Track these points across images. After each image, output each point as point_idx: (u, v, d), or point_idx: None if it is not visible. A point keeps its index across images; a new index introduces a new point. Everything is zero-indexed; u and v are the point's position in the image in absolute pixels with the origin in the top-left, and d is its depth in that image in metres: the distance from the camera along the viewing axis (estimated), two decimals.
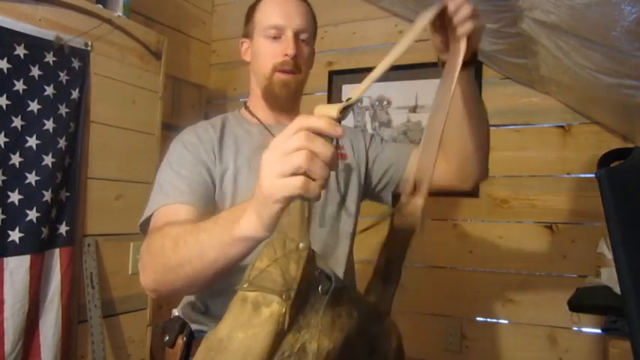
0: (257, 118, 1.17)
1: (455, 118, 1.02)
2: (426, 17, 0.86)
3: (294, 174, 0.59)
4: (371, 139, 1.26)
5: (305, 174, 0.59)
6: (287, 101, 1.14)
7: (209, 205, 1.01)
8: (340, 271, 1.09)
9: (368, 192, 1.24)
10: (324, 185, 0.60)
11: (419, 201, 0.87)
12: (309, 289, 0.56)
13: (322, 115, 0.62)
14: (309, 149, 0.59)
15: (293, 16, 1.11)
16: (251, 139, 1.12)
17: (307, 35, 1.14)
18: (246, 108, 1.21)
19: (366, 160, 1.22)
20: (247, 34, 1.19)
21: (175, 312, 1.13)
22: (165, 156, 1.11)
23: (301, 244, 0.59)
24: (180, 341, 1.05)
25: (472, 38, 0.90)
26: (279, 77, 1.10)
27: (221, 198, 1.05)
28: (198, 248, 0.76)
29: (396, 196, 1.21)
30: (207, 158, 1.06)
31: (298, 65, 1.10)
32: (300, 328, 0.54)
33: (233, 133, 1.13)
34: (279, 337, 0.53)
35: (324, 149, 0.59)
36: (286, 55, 1.08)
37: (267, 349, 0.52)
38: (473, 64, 1.00)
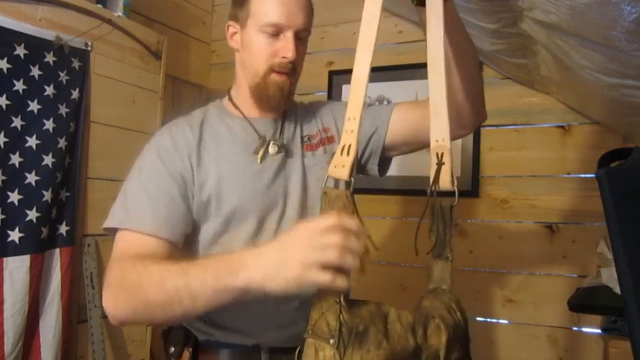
0: (240, 112, 1.11)
1: (455, 56, 0.97)
2: None
3: (325, 267, 0.68)
4: (337, 110, 1.17)
5: (336, 267, 0.68)
6: (279, 102, 1.06)
7: (174, 228, 0.97)
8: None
9: (365, 166, 1.17)
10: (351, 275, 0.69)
11: (447, 173, 0.85)
12: (350, 330, 0.72)
13: (337, 194, 0.73)
14: (345, 246, 0.68)
15: (295, 14, 1.02)
16: (233, 137, 1.07)
17: (306, 33, 1.08)
18: (230, 99, 1.15)
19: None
20: (237, 19, 1.10)
21: None
22: (138, 157, 1.05)
23: (337, 300, 0.72)
24: (187, 353, 1.02)
25: None
26: (274, 79, 1.04)
27: (201, 207, 1.00)
28: (189, 293, 0.79)
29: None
30: (181, 167, 1.00)
31: (295, 67, 1.05)
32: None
33: (214, 130, 1.08)
34: None
35: (356, 245, 0.69)
36: (284, 57, 1.02)
37: None
38: None
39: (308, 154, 1.09)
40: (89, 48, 1.78)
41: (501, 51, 1.88)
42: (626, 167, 0.91)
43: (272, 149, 1.04)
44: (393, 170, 1.92)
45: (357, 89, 0.80)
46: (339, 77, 2.47)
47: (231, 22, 1.14)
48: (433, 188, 0.86)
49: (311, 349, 0.72)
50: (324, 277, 0.68)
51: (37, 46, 1.61)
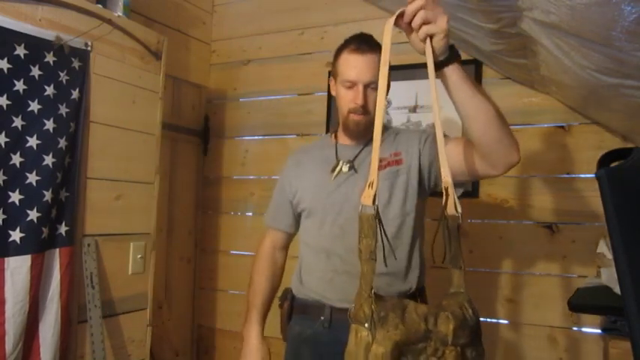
0: (336, 140, 1.55)
1: (462, 113, 1.19)
2: (388, 24, 1.05)
3: None
4: (425, 140, 1.44)
5: None
6: (359, 133, 1.45)
7: (289, 219, 1.61)
8: (393, 279, 1.40)
9: (425, 189, 1.46)
10: None
11: (450, 202, 1.11)
12: (383, 313, 1.00)
13: (367, 216, 1.01)
14: None
15: (364, 72, 1.38)
16: (322, 158, 1.52)
17: (374, 84, 1.38)
18: (335, 133, 1.58)
19: (418, 161, 1.42)
20: (333, 75, 1.51)
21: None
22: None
23: (369, 292, 1.00)
24: (286, 304, 1.53)
25: (433, 40, 1.07)
26: (352, 118, 1.43)
27: (294, 206, 1.57)
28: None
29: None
30: (286, 183, 1.59)
31: (367, 109, 1.40)
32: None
33: (310, 155, 1.58)
34: (368, 347, 0.97)
35: None
36: (356, 103, 1.39)
37: (363, 355, 0.97)
38: (453, 60, 1.12)
39: None
40: (89, 48, 1.78)
41: (501, 51, 1.88)
42: (626, 167, 0.91)
43: (344, 168, 1.45)
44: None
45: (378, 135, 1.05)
46: None
47: (331, 78, 1.54)
48: (444, 213, 1.13)
49: (353, 331, 1.00)
50: None
51: (37, 46, 1.61)
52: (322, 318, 1.40)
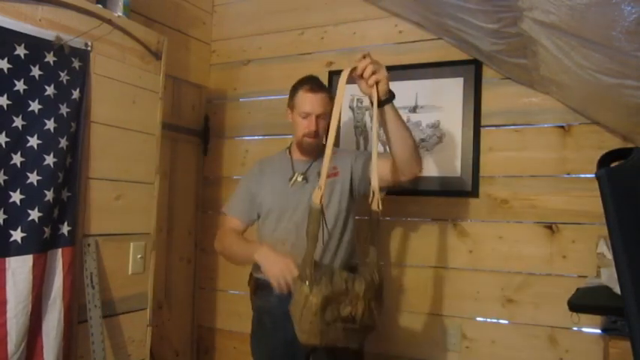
0: (291, 155, 1.95)
1: (391, 138, 1.62)
2: (343, 75, 1.47)
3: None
4: (356, 158, 1.89)
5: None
6: (310, 152, 1.88)
7: (247, 214, 1.94)
8: (329, 254, 1.80)
9: (355, 194, 1.88)
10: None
11: (375, 202, 1.55)
12: (318, 276, 1.45)
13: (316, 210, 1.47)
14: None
15: (316, 106, 1.81)
16: (281, 170, 1.91)
17: (324, 114, 1.82)
18: (289, 147, 1.98)
19: (350, 174, 1.87)
20: (290, 107, 1.90)
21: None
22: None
23: (311, 260, 1.45)
24: (251, 282, 1.90)
25: (378, 86, 1.50)
26: (306, 140, 1.84)
27: (258, 206, 1.91)
28: (236, 255, 1.88)
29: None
30: (252, 185, 1.94)
31: (318, 133, 1.83)
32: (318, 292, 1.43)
33: (272, 166, 1.96)
34: (307, 298, 1.42)
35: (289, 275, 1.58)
36: (310, 129, 1.82)
37: (303, 303, 1.43)
38: (390, 101, 1.55)
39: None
40: (89, 48, 1.78)
41: (501, 51, 1.88)
42: (626, 167, 0.91)
43: (299, 178, 1.86)
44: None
45: (328, 155, 1.48)
46: (338, 77, 2.44)
47: (288, 109, 1.92)
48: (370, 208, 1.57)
49: (297, 286, 1.46)
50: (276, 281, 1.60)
51: (37, 46, 1.61)
52: (275, 293, 1.67)
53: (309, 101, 1.82)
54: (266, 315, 1.81)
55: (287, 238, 1.80)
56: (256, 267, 1.81)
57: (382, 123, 1.60)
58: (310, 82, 1.87)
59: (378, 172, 1.57)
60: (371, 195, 1.54)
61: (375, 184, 1.52)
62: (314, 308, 1.40)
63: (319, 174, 1.75)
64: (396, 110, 1.58)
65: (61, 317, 1.65)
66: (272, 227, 1.85)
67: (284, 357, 1.76)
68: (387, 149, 1.73)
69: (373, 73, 1.48)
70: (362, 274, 1.51)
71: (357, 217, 1.91)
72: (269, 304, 1.77)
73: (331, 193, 1.81)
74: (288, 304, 1.52)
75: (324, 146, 1.83)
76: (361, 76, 1.50)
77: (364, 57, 1.50)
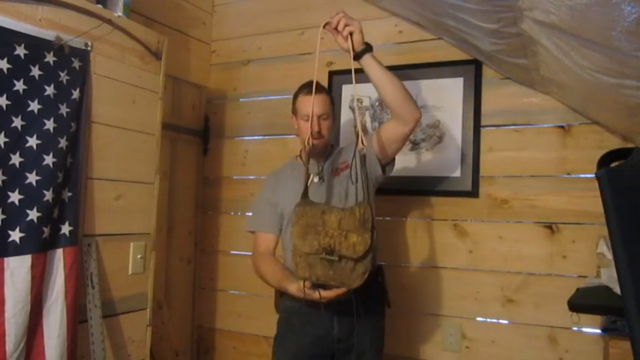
0: (302, 160, 1.90)
1: (380, 86, 1.68)
2: (320, 28, 1.63)
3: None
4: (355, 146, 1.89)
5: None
6: (319, 152, 1.88)
7: (272, 226, 1.91)
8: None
9: (371, 176, 1.80)
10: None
11: (360, 142, 1.59)
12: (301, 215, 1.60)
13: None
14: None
15: (316, 107, 1.79)
16: (295, 176, 1.89)
17: (326, 114, 1.85)
18: (299, 154, 1.98)
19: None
20: (294, 113, 1.92)
21: None
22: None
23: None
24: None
25: (353, 36, 1.61)
26: (312, 142, 1.77)
27: (280, 215, 1.90)
28: (273, 284, 1.81)
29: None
30: (270, 195, 1.93)
31: (322, 134, 1.84)
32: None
33: (285, 174, 1.95)
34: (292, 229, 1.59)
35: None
36: (314, 130, 1.79)
37: (290, 231, 1.63)
38: (368, 51, 1.64)
39: (334, 178, 1.87)
40: (89, 48, 1.78)
41: (501, 51, 1.88)
42: (626, 167, 0.91)
43: (315, 179, 1.87)
44: (393, 171, 1.93)
45: None
46: (339, 77, 2.47)
47: (292, 115, 1.94)
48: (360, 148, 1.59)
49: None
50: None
51: (37, 46, 1.61)
52: None
53: (309, 103, 1.83)
54: (295, 315, 1.82)
55: None
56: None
57: (367, 75, 1.67)
58: (309, 86, 1.88)
59: (385, 137, 1.73)
60: (358, 138, 1.59)
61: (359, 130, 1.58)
62: (293, 237, 1.57)
63: (333, 170, 1.89)
64: (375, 59, 1.65)
65: (63, 317, 1.65)
66: None
67: (310, 357, 1.78)
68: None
69: (346, 25, 1.59)
70: (349, 210, 1.55)
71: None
72: (298, 304, 1.77)
73: (347, 186, 1.82)
74: (318, 304, 1.60)
75: (332, 146, 1.97)
76: (336, 30, 1.62)
77: (338, 13, 1.62)
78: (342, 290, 1.54)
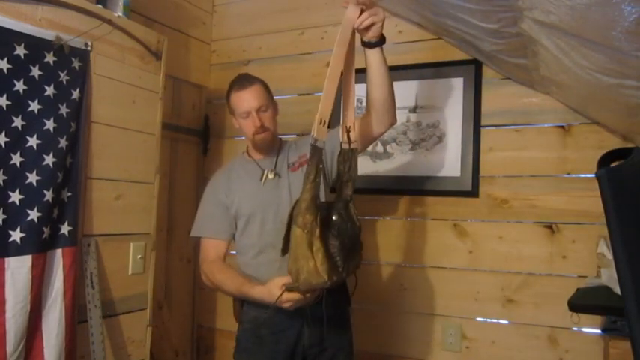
0: (251, 158, 1.85)
1: (376, 83, 1.59)
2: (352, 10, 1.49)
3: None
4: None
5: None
6: (267, 146, 1.80)
7: (225, 230, 1.81)
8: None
9: (328, 174, 1.79)
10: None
11: (353, 135, 1.56)
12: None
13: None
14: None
15: (251, 101, 1.73)
16: (247, 173, 1.81)
17: (265, 105, 1.75)
18: (247, 151, 1.89)
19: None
20: (232, 113, 1.81)
21: None
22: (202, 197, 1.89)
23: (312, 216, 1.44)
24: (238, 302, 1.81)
25: (372, 27, 1.50)
26: (257, 137, 1.75)
27: (234, 216, 1.79)
28: (231, 294, 1.75)
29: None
30: (221, 197, 1.80)
31: (265, 127, 1.74)
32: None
33: (236, 172, 1.84)
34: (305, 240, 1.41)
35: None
36: (256, 126, 1.73)
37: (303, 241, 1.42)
38: (381, 44, 1.55)
39: (291, 173, 1.77)
40: (89, 48, 1.78)
41: (501, 51, 1.88)
42: (626, 167, 0.91)
43: (270, 175, 1.76)
44: (393, 171, 1.93)
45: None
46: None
47: (232, 116, 1.83)
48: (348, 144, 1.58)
49: (293, 230, 1.42)
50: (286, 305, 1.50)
51: (37, 46, 1.61)
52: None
53: (242, 99, 1.74)
54: (263, 326, 1.70)
55: (277, 240, 1.64)
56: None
57: (368, 66, 1.58)
58: (238, 81, 1.80)
59: (358, 130, 1.59)
60: (346, 133, 1.55)
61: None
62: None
63: (289, 165, 1.78)
64: (384, 55, 1.58)
65: (62, 317, 1.65)
66: (257, 232, 1.74)
67: None
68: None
69: (372, 15, 1.47)
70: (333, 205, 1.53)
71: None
72: (266, 313, 1.63)
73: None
74: (288, 311, 1.51)
75: (279, 139, 1.88)
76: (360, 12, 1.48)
77: None
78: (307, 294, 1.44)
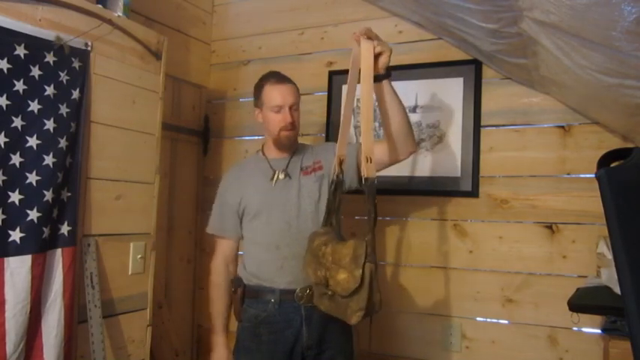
0: (265, 156, 1.87)
1: (390, 115, 1.61)
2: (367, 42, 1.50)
3: None
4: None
5: None
6: (290, 145, 1.83)
7: (237, 227, 1.87)
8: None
9: (345, 184, 1.73)
10: None
11: (371, 166, 1.44)
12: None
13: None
14: None
15: (287, 97, 1.76)
16: (259, 171, 1.83)
17: (297, 105, 1.79)
18: (262, 149, 1.91)
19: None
20: (258, 106, 1.83)
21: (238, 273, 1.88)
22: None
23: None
24: (239, 290, 1.80)
25: (380, 58, 1.52)
26: (284, 134, 1.77)
27: (242, 212, 1.83)
28: (210, 311, 1.90)
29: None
30: (230, 196, 1.86)
31: (294, 125, 1.78)
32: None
33: (247, 170, 1.88)
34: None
35: None
36: (287, 121, 1.75)
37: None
38: (388, 77, 1.58)
39: (303, 177, 1.80)
40: (89, 48, 1.78)
41: (501, 51, 1.88)
42: (626, 167, 0.91)
43: (281, 176, 1.78)
44: (393, 171, 1.93)
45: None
46: (339, 77, 2.47)
47: (256, 108, 1.85)
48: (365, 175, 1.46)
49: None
50: None
51: (37, 46, 1.61)
52: (272, 300, 1.71)
53: (279, 93, 1.76)
54: (263, 325, 1.72)
55: (281, 241, 1.74)
56: (245, 273, 1.80)
57: (379, 99, 1.60)
58: (275, 75, 1.83)
59: (377, 155, 1.53)
60: (365, 161, 1.45)
61: (370, 147, 1.45)
62: (305, 266, 1.54)
63: (302, 169, 1.80)
64: (393, 87, 1.60)
65: (61, 317, 1.65)
66: (261, 229, 1.78)
67: None
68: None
69: (379, 44, 1.50)
70: (340, 242, 1.48)
71: (356, 218, 1.91)
72: (266, 312, 1.69)
73: (320, 187, 1.77)
74: (287, 311, 1.58)
75: (294, 141, 1.87)
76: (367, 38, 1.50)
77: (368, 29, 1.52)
78: None
